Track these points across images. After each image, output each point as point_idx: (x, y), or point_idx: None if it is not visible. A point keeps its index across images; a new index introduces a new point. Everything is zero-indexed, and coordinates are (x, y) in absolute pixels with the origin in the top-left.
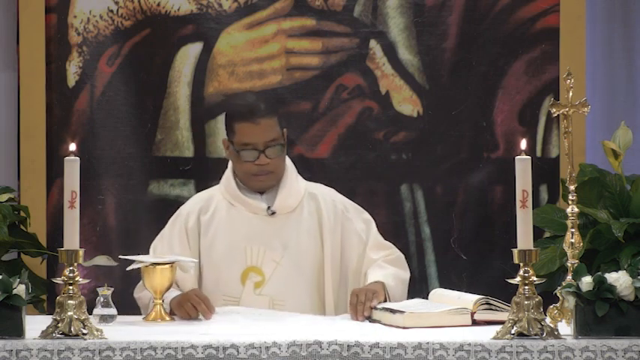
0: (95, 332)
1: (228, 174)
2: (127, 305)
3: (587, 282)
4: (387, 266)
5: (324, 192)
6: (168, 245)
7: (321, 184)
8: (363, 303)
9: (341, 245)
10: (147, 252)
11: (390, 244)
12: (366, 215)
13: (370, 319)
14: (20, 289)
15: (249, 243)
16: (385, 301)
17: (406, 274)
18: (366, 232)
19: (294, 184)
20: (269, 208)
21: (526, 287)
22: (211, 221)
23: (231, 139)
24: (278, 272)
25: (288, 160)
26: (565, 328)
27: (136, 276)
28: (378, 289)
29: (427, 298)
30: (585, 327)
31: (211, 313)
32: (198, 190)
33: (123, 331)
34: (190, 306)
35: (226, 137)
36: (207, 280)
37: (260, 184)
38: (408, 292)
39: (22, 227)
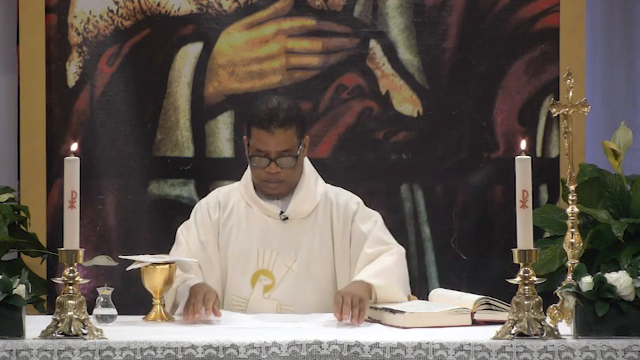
0: (95, 332)
1: (247, 174)
2: (127, 305)
3: (587, 282)
4: (378, 262)
5: (339, 196)
6: (196, 232)
7: (341, 188)
8: (350, 305)
9: (350, 249)
10: (146, 252)
11: (392, 240)
12: (380, 220)
13: (370, 319)
14: (20, 289)
15: (263, 246)
16: (374, 302)
17: (399, 269)
18: (370, 230)
19: (311, 190)
20: (282, 212)
21: (526, 287)
22: (228, 219)
23: (249, 141)
24: (288, 277)
25: (308, 165)
26: (565, 328)
27: (136, 276)
28: (363, 295)
29: (427, 298)
30: (585, 327)
31: (211, 312)
32: (199, 190)
33: (123, 331)
34: (194, 302)
35: (246, 137)
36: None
37: (270, 191)
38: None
39: (22, 227)
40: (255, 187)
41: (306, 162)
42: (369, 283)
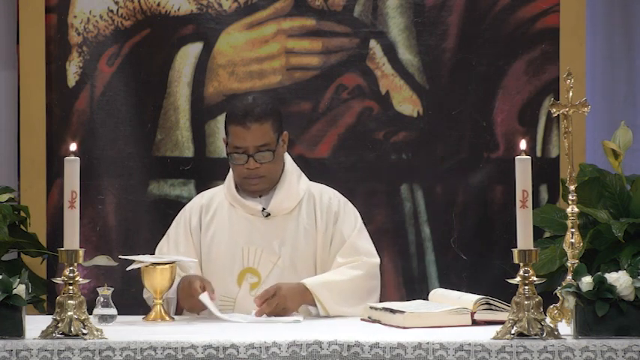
0: (95, 332)
1: (229, 175)
2: (127, 305)
3: (587, 282)
4: (334, 274)
5: (322, 193)
6: (174, 245)
7: (324, 185)
8: (267, 305)
9: (330, 249)
10: (146, 252)
11: (369, 248)
12: (359, 223)
13: (370, 319)
14: (20, 289)
15: (247, 244)
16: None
17: (355, 284)
18: (349, 236)
19: (293, 187)
20: (264, 209)
21: (526, 287)
22: (212, 221)
23: (227, 140)
24: (274, 273)
25: (290, 162)
26: (565, 328)
27: (136, 276)
28: (287, 301)
29: (427, 298)
30: (585, 327)
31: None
32: (198, 190)
33: (123, 331)
34: (195, 289)
35: (225, 137)
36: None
37: (252, 187)
38: (407, 292)
39: (22, 227)
40: (237, 187)
41: (288, 159)
42: (310, 291)
